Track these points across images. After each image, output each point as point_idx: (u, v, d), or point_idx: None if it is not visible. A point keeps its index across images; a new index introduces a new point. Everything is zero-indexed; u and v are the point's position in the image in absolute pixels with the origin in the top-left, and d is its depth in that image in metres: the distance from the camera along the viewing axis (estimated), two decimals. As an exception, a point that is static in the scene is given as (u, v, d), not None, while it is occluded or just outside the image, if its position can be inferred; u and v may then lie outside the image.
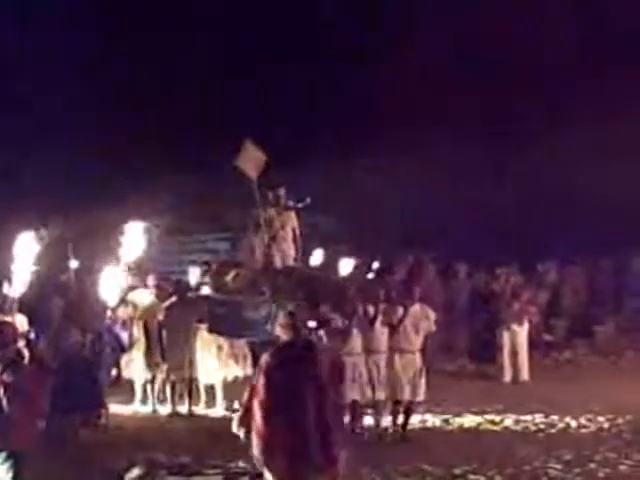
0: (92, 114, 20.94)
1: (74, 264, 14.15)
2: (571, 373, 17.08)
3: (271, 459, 8.02)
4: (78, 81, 21.27)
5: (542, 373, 16.82)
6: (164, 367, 13.88)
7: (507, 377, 16.68)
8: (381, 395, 12.28)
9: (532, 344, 17.33)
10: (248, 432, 8.09)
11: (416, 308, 12.39)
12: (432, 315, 12.49)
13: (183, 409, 14.02)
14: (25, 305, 11.83)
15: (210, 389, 14.17)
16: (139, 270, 14.66)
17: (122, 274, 13.27)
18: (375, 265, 14.94)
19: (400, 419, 12.39)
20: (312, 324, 10.89)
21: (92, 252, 15.57)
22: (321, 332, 11.44)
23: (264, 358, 8.16)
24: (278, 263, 13.46)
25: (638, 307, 19.85)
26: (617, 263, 20.33)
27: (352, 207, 20.24)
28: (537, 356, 17.81)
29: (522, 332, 16.85)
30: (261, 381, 8.01)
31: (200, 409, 14.12)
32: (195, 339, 13.82)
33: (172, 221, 20.29)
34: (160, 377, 14.07)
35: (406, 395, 12.24)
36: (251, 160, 13.11)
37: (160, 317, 13.87)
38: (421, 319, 12.37)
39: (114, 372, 14.42)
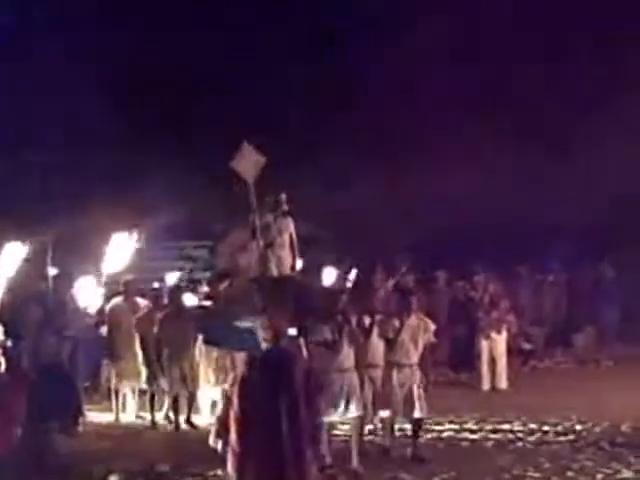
0: (75, 121, 20.88)
1: (53, 271, 14.10)
2: (549, 381, 17.11)
3: (243, 477, 7.83)
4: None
5: (520, 381, 16.86)
6: (163, 381, 13.51)
7: (485, 385, 16.71)
8: (382, 412, 11.72)
9: (511, 352, 17.38)
10: (226, 444, 7.93)
11: (414, 319, 11.78)
12: (431, 326, 11.90)
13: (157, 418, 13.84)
14: (1, 314, 11.77)
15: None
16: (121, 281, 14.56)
17: (102, 282, 13.22)
18: (353, 273, 14.76)
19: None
20: (292, 332, 10.58)
21: (71, 259, 15.52)
22: (301, 341, 11.24)
23: (239, 369, 8.01)
24: (274, 271, 13.12)
25: (615, 316, 19.95)
26: (595, 272, 20.44)
27: (332, 212, 20.22)
28: (516, 364, 17.87)
29: (501, 340, 16.89)
30: (235, 393, 7.85)
31: (201, 421, 13.76)
32: (194, 351, 13.35)
33: (150, 228, 20.19)
34: (159, 390, 13.74)
35: (404, 411, 11.61)
36: (248, 163, 12.71)
37: (155, 329, 13.46)
38: (419, 331, 11.74)
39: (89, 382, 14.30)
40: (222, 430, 7.95)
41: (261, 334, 8.06)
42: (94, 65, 20.98)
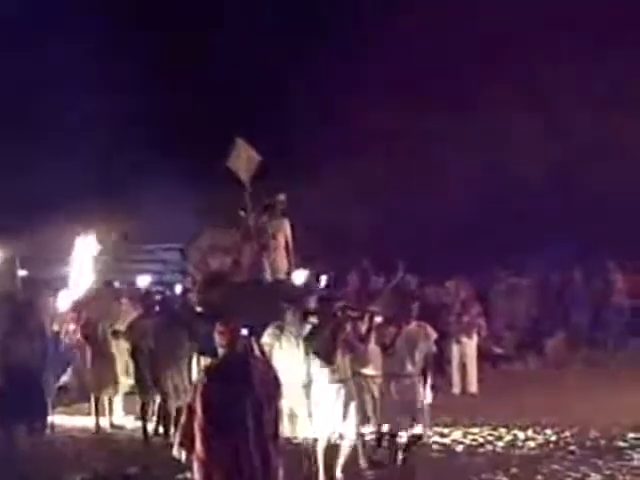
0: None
1: (22, 273, 14.02)
2: (519, 386, 17.13)
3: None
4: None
5: (491, 386, 16.87)
6: (155, 394, 12.90)
7: (456, 389, 16.73)
8: (381, 426, 11.03)
9: (481, 356, 17.40)
10: (189, 454, 7.88)
11: (413, 327, 10.95)
12: (433, 334, 11.09)
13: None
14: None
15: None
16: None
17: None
18: (324, 277, 14.63)
19: (399, 452, 11.02)
20: (244, 332, 10.02)
21: (42, 261, 15.42)
22: (252, 340, 10.75)
23: (199, 377, 7.95)
24: (268, 274, 12.59)
25: (585, 320, 20.04)
26: (565, 277, 20.52)
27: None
28: (486, 368, 17.89)
29: (471, 344, 16.92)
30: (198, 402, 7.77)
31: None
32: (189, 361, 12.74)
33: (121, 230, 20.12)
34: (150, 400, 13.14)
35: (402, 426, 10.87)
36: (243, 160, 12.21)
37: (147, 338, 12.76)
38: (419, 339, 10.91)
39: (63, 381, 14.15)
40: (185, 440, 7.86)
41: (217, 339, 7.94)
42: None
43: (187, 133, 20.81)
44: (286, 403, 10.12)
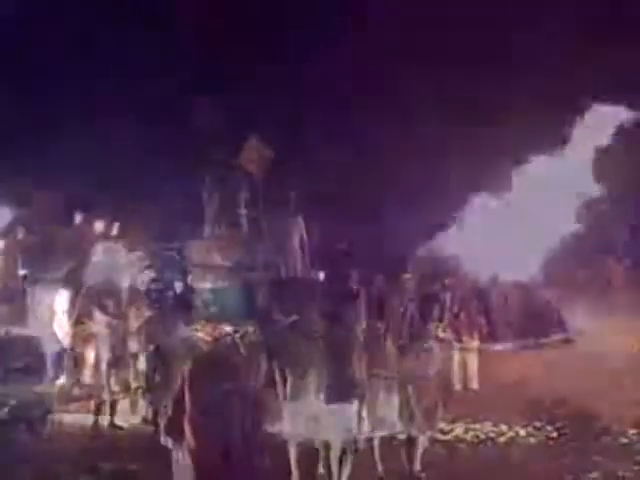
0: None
1: (22, 272, 14.02)
2: (520, 382, 17.14)
3: (200, 471, 7.96)
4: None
5: (491, 382, 16.88)
6: (166, 394, 12.80)
7: (457, 386, 16.74)
8: (394, 428, 10.77)
9: (481, 353, 17.41)
10: (176, 442, 8.05)
11: (433, 327, 10.96)
12: (451, 336, 11.08)
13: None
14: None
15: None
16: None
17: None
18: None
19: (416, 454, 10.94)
20: (228, 329, 9.93)
21: (44, 260, 15.41)
22: (237, 338, 10.67)
23: (186, 369, 8.05)
24: (283, 274, 12.47)
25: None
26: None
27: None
28: (487, 365, 17.89)
29: (471, 341, 16.93)
30: (186, 392, 7.94)
31: None
32: None
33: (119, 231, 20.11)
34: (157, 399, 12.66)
35: (419, 428, 10.77)
36: (256, 158, 12.17)
37: (162, 336, 12.42)
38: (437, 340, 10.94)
39: (62, 379, 14.12)
40: (173, 431, 8.00)
41: (201, 335, 8.04)
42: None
43: (188, 132, 20.80)
44: (310, 405, 10.22)
